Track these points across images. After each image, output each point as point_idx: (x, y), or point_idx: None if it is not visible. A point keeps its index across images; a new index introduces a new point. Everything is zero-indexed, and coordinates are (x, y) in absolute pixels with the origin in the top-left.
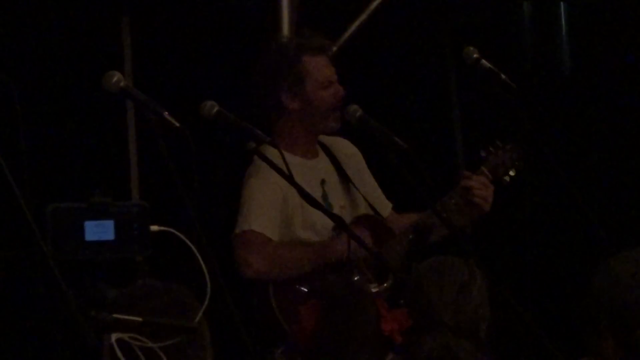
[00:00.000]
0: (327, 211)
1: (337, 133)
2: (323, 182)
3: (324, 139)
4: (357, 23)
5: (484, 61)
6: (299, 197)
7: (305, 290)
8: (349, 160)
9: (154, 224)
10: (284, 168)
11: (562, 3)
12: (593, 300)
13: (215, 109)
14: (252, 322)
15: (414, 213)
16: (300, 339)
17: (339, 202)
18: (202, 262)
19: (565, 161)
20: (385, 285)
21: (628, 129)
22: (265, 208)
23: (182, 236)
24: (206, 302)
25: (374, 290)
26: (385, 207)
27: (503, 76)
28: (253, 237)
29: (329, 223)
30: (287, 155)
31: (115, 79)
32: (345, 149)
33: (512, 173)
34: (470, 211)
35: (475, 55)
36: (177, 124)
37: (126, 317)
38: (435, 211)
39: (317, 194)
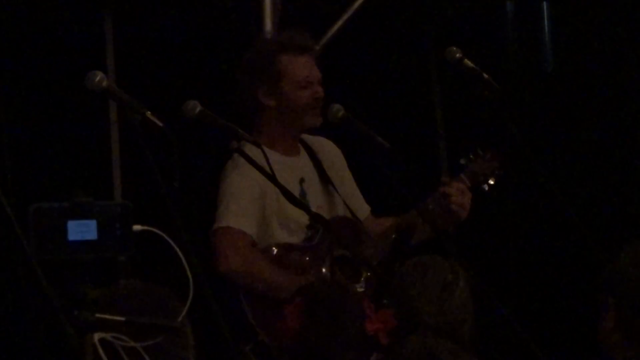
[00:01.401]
0: (308, 209)
1: (321, 132)
2: (302, 180)
3: (307, 138)
4: (339, 23)
5: (466, 61)
6: (276, 195)
7: None
8: (329, 160)
9: (136, 223)
10: (266, 167)
11: (544, 2)
12: (611, 271)
13: (198, 108)
14: (223, 316)
15: (391, 217)
16: (284, 338)
17: (316, 202)
18: (184, 262)
19: (547, 159)
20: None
21: (611, 126)
22: (244, 204)
23: (165, 236)
24: (189, 302)
25: (359, 290)
26: (363, 210)
27: (486, 75)
28: (231, 234)
29: (304, 222)
30: (267, 152)
31: (97, 78)
32: (327, 148)
33: (491, 182)
34: (447, 217)
35: (457, 55)
36: (160, 124)
37: (109, 316)
38: (419, 210)
39: (295, 192)
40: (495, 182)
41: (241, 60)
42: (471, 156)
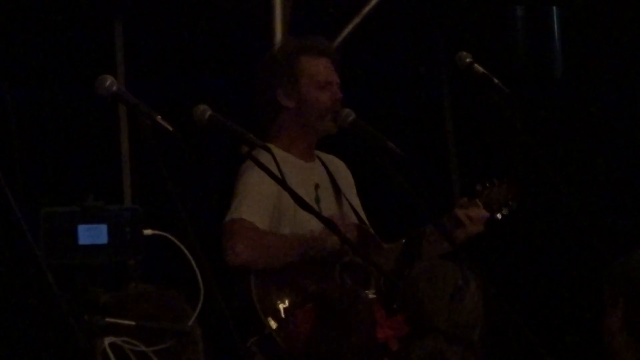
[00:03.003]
0: (319, 214)
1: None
2: (317, 186)
3: (320, 154)
4: (349, 27)
5: (476, 65)
6: (292, 202)
7: (288, 283)
8: (341, 177)
9: (146, 227)
10: (277, 173)
11: (554, 7)
12: (623, 271)
13: (208, 113)
14: (230, 309)
15: (396, 243)
16: (295, 343)
17: (330, 209)
18: (195, 266)
19: (556, 164)
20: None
21: (621, 132)
22: (258, 199)
23: (175, 240)
24: (199, 306)
25: (370, 296)
26: None
27: (496, 80)
28: (241, 225)
29: (320, 227)
30: (285, 154)
31: (108, 83)
32: (340, 167)
33: (504, 212)
34: (457, 236)
35: (468, 60)
36: (170, 128)
37: (119, 321)
38: (435, 223)
39: (310, 197)
40: (508, 212)
41: (261, 62)
42: (487, 184)
